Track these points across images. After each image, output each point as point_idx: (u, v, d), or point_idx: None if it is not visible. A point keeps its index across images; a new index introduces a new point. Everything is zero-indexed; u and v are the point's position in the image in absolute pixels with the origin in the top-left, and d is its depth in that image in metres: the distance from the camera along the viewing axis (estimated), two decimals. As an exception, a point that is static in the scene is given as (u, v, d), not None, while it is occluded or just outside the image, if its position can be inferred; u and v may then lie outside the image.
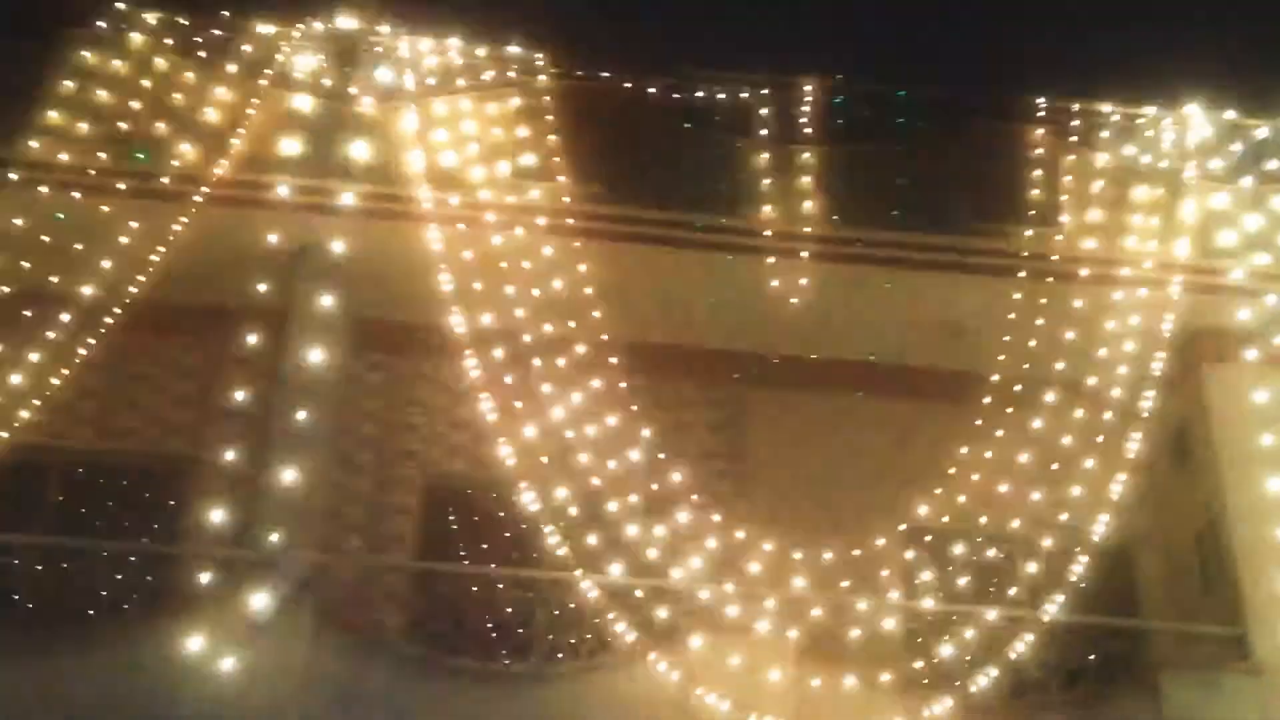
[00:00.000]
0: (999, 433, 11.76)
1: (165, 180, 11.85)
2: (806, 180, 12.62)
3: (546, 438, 11.43)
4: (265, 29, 12.68)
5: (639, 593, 10.99)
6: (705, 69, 13.24)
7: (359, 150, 12.22)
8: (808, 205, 12.49)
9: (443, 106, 12.58)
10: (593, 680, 10.75)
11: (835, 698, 10.66)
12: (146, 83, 12.47)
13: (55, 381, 11.05)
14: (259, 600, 10.25)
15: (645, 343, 12.14)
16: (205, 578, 10.44)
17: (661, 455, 11.60)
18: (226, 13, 12.70)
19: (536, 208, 12.26)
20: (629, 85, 12.92)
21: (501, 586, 11.15)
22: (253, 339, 11.30)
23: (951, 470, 11.69)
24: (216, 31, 12.75)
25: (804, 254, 12.15)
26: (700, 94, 13.16)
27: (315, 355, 11.56)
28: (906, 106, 13.19)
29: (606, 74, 13.06)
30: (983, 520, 12.05)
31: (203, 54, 12.68)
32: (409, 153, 12.13)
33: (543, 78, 12.89)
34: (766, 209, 12.46)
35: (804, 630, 10.96)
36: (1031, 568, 12.25)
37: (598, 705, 10.64)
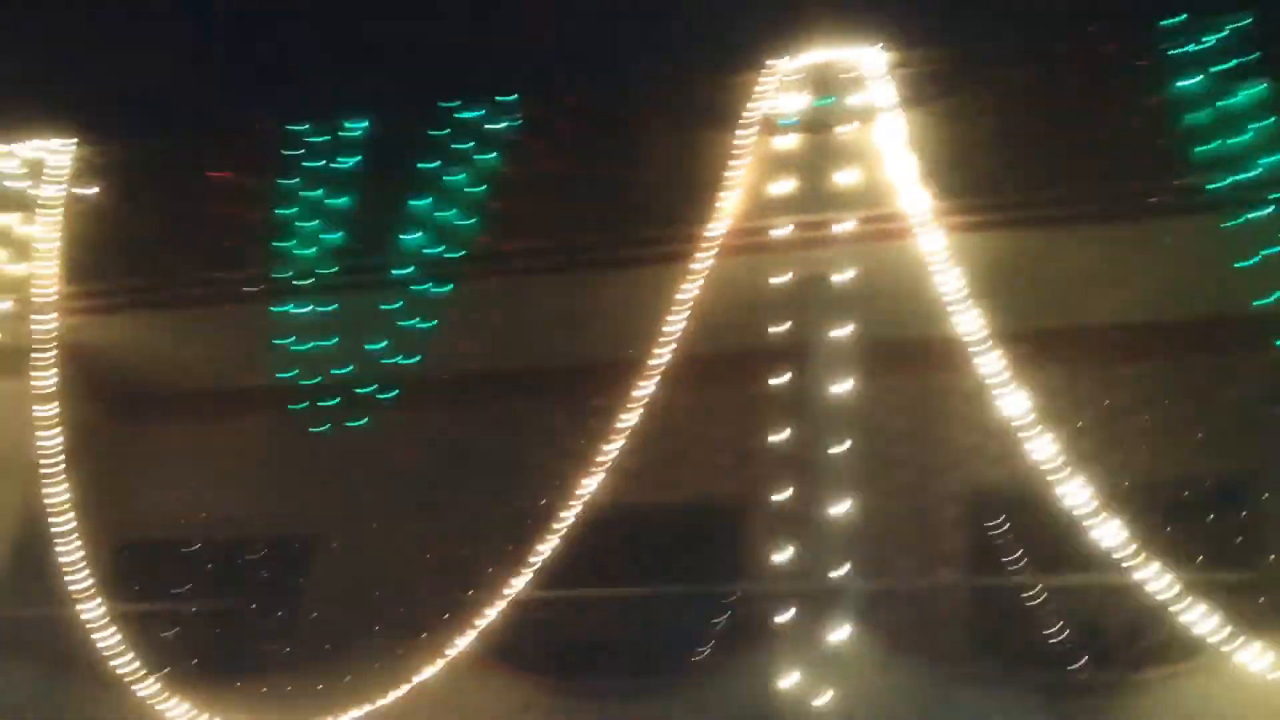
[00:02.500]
0: None
1: (673, 243, 12.40)
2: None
3: (1091, 432, 10.99)
4: (743, 78, 12.99)
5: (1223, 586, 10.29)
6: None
7: (849, 176, 12.33)
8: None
9: (929, 118, 12.45)
10: (1186, 682, 10.17)
11: None
12: (646, 153, 13.08)
13: (605, 446, 11.76)
14: (829, 631, 10.50)
15: (1182, 321, 11.38)
16: (774, 613, 10.83)
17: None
18: (705, 72, 13.13)
19: (1046, 200, 11.85)
20: (1107, 57, 12.19)
21: (1070, 594, 10.80)
22: (779, 377, 11.69)
23: None
24: (698, 92, 13.18)
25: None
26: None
27: (840, 385, 11.76)
28: None
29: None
30: None
31: (689, 114, 13.16)
32: (903, 170, 12.10)
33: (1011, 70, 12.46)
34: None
35: None
36: None
37: (1198, 709, 10.04)
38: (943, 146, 12.35)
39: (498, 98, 13.39)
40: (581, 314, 12.29)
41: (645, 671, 11.15)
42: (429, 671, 11.16)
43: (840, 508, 11.14)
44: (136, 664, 11.62)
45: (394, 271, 12.85)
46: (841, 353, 11.90)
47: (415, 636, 11.38)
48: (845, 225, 12.09)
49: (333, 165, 13.61)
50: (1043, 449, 10.83)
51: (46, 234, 13.77)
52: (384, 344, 12.64)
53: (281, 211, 13.50)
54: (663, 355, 11.88)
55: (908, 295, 11.74)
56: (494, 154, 13.19)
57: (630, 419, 11.72)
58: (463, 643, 11.22)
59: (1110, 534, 10.50)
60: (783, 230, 12.19)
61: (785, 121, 12.69)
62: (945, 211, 11.85)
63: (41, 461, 12.84)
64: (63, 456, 12.86)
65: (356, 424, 12.75)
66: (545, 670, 11.49)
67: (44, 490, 12.74)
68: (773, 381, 11.82)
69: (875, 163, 12.28)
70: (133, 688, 11.55)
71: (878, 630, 10.71)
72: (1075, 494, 10.66)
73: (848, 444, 11.43)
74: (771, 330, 11.95)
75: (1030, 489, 11.36)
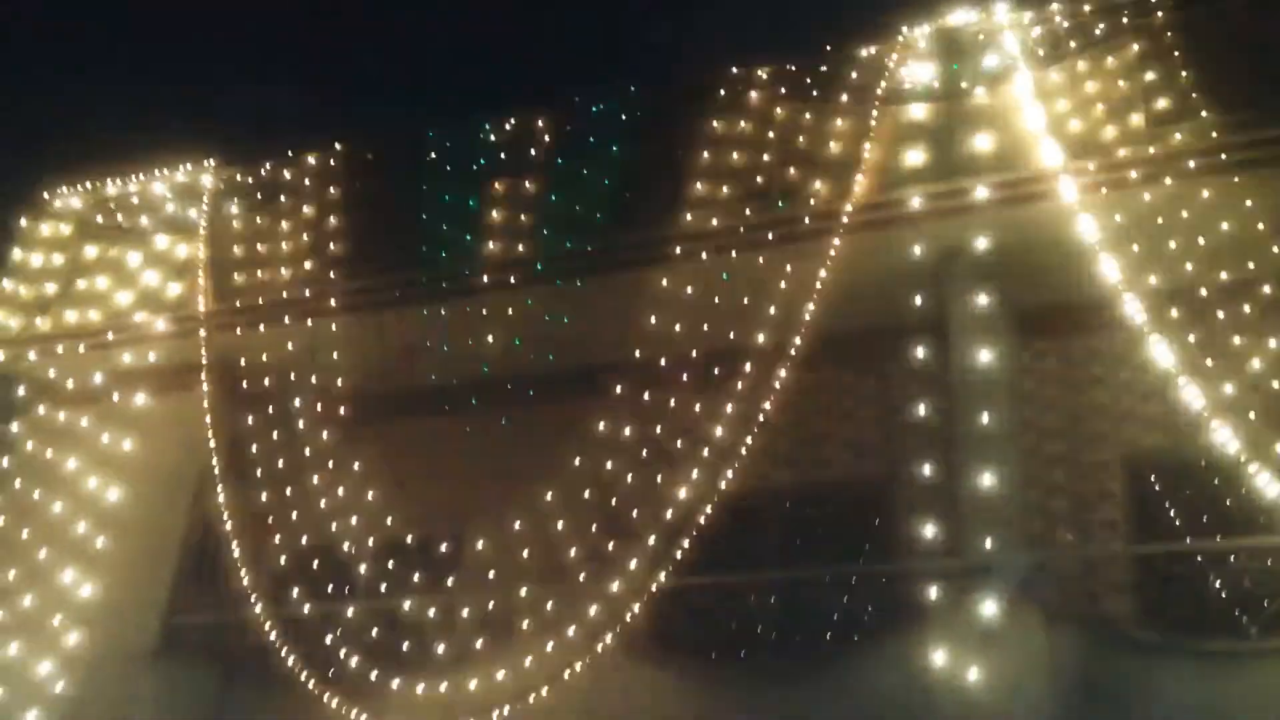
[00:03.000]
0: None
1: (806, 220, 12.22)
2: None
3: (1252, 391, 10.52)
4: (867, 50, 12.75)
5: None
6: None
7: (984, 142, 12.01)
8: None
9: (1059, 75, 12.05)
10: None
11: None
12: (770, 133, 12.92)
13: (748, 430, 11.66)
14: (985, 607, 10.27)
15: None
16: (926, 592, 10.65)
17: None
18: (828, 46, 12.92)
19: (1184, 152, 11.37)
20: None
21: (1236, 557, 10.37)
22: (919, 352, 11.50)
23: None
24: (822, 67, 12.97)
25: None
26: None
27: (982, 355, 11.49)
28: None
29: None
30: None
31: (814, 91, 12.96)
32: (1035, 131, 11.73)
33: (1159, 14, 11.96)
34: None
35: None
36: None
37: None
38: (1080, 104, 11.98)
39: (621, 87, 13.41)
40: (716, 299, 12.23)
41: (798, 655, 11.06)
42: (578, 665, 11.23)
43: (990, 481, 10.87)
44: (300, 666, 12.00)
45: (526, 268, 12.95)
46: (983, 323, 11.62)
47: (564, 631, 11.48)
48: (983, 193, 11.78)
49: (468, 166, 13.81)
50: (1201, 410, 10.41)
51: (199, 254, 14.30)
52: (520, 342, 12.81)
53: (420, 215, 13.74)
54: (802, 335, 11.73)
55: (1050, 259, 11.39)
56: (619, 145, 13.19)
57: (773, 401, 11.61)
58: (611, 636, 11.26)
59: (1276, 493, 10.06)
60: (920, 202, 11.93)
61: (919, 90, 12.42)
62: (1085, 171, 11.47)
63: (209, 472, 13.34)
64: (228, 466, 13.34)
65: (502, 422, 12.95)
66: (694, 659, 11.47)
67: (212, 500, 13.23)
68: (917, 356, 11.61)
69: (1011, 127, 11.94)
70: (297, 690, 11.92)
71: (1036, 605, 10.42)
72: (1238, 455, 10.23)
73: (993, 416, 11.14)
74: (913, 303, 11.72)
75: (1189, 451, 10.97)
